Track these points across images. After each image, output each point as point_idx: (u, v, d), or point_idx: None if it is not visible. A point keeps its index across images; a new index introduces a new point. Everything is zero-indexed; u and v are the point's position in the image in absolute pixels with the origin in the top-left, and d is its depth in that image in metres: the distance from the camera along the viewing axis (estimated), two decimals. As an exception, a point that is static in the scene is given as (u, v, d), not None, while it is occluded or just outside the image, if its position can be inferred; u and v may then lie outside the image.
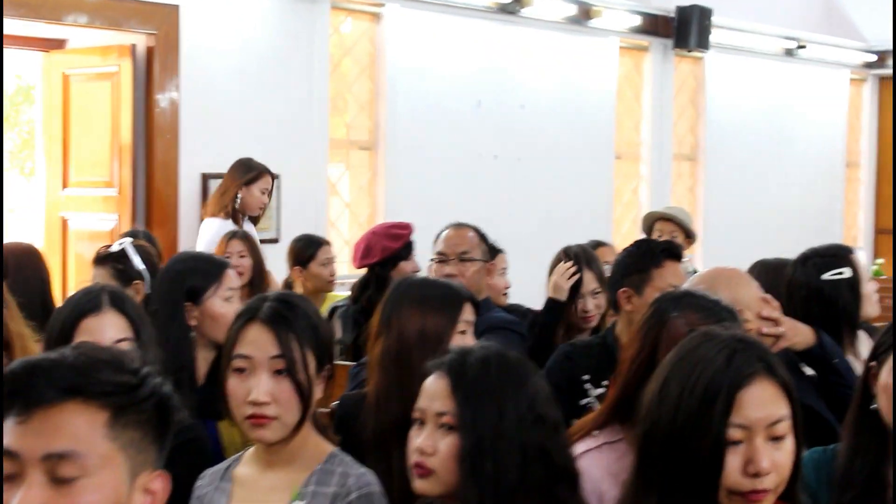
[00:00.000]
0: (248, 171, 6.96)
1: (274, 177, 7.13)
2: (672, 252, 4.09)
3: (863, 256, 13.54)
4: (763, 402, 2.12)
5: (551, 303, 4.85)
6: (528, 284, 6.16)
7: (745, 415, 2.10)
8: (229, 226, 6.76)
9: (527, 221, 9.59)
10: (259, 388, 2.57)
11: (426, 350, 2.92)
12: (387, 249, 5.42)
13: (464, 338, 3.14)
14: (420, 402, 2.38)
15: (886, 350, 2.80)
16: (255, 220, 7.05)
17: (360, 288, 5.47)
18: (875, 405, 2.77)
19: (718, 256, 10.93)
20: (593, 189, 10.45)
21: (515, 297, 5.93)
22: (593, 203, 10.42)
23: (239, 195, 6.89)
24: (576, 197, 10.18)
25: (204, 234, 6.92)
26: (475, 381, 2.33)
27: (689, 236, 7.03)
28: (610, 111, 10.64)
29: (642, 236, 7.08)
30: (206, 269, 3.68)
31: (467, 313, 3.20)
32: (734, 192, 12.00)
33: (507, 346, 4.31)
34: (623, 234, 10.60)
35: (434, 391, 2.35)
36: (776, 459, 2.13)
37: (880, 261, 13.16)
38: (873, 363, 2.82)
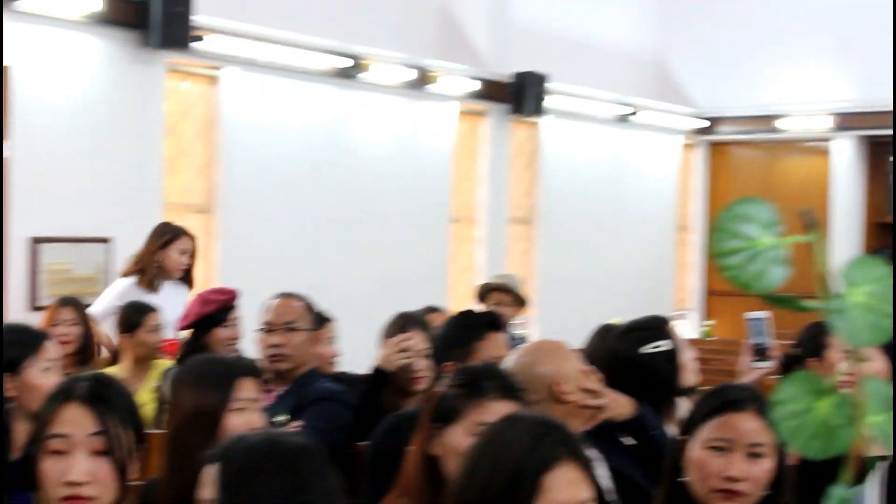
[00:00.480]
0: (163, 235, 6.96)
1: (193, 237, 7.08)
2: (494, 324, 4.16)
3: (693, 317, 13.94)
4: (567, 486, 2.16)
5: (378, 372, 4.77)
6: (362, 349, 6.16)
7: (550, 498, 2.14)
8: (132, 285, 6.79)
9: (362, 285, 9.60)
10: (77, 467, 2.52)
11: (201, 431, 2.86)
12: (199, 314, 5.48)
13: (243, 416, 2.99)
14: (197, 491, 2.30)
15: (696, 424, 2.90)
16: (188, 282, 7.02)
17: (183, 350, 5.50)
18: (684, 478, 2.87)
19: (554, 319, 11.12)
20: (429, 252, 10.51)
21: (349, 362, 5.93)
22: (429, 266, 10.47)
23: (157, 259, 6.87)
24: (412, 260, 10.22)
25: (107, 293, 6.94)
26: (239, 465, 2.21)
27: (521, 303, 7.15)
28: (447, 175, 10.75)
29: (476, 302, 7.17)
30: (23, 340, 3.66)
31: (246, 391, 3.03)
32: (569, 255, 12.19)
33: (331, 418, 4.30)
34: (458, 297, 10.68)
35: (205, 480, 2.26)
36: (581, 540, 2.18)
37: (710, 322, 13.52)
38: (684, 437, 2.91)
